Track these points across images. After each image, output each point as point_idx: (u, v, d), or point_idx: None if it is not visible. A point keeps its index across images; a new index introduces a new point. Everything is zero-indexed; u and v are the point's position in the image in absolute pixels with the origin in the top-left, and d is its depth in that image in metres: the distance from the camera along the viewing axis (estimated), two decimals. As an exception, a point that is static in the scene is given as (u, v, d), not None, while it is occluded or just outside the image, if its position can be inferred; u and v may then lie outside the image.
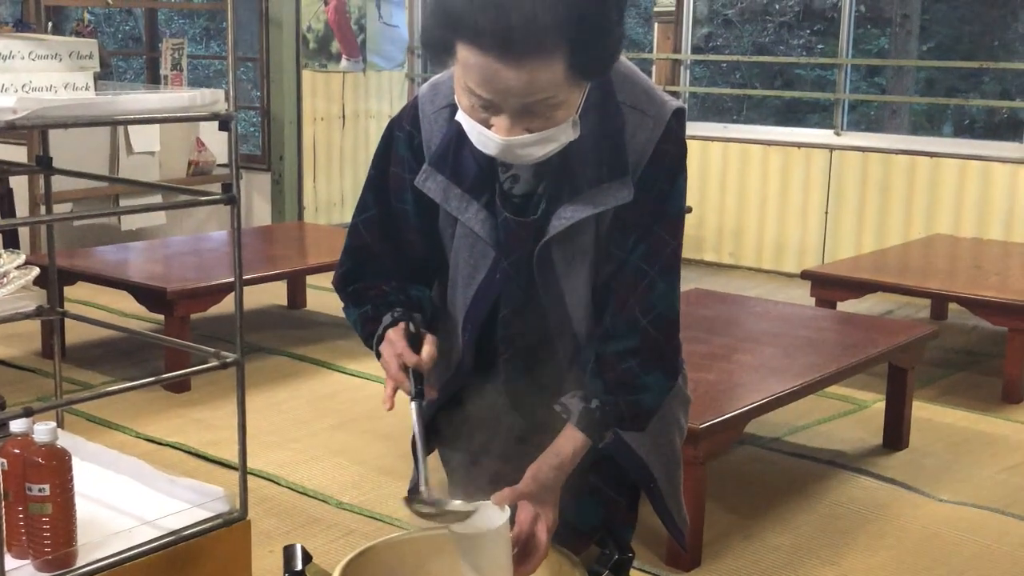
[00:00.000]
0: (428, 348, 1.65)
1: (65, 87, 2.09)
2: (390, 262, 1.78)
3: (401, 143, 1.76)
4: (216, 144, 6.46)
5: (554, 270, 1.71)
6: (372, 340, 1.74)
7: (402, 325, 1.68)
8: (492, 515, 1.62)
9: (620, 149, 1.66)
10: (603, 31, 1.50)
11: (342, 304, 1.84)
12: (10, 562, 1.89)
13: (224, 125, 1.97)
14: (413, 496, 1.63)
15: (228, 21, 1.86)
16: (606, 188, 1.65)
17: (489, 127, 1.55)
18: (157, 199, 5.67)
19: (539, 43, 1.44)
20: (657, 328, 1.71)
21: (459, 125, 1.62)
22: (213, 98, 1.95)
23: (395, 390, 1.69)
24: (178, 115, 1.92)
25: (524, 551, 1.65)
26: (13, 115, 1.75)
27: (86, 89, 2.12)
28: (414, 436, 1.90)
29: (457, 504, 1.63)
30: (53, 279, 2.41)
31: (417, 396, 1.65)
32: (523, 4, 1.42)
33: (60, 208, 4.95)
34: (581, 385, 1.74)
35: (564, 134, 1.57)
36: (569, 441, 1.70)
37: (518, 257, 1.72)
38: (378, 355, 1.75)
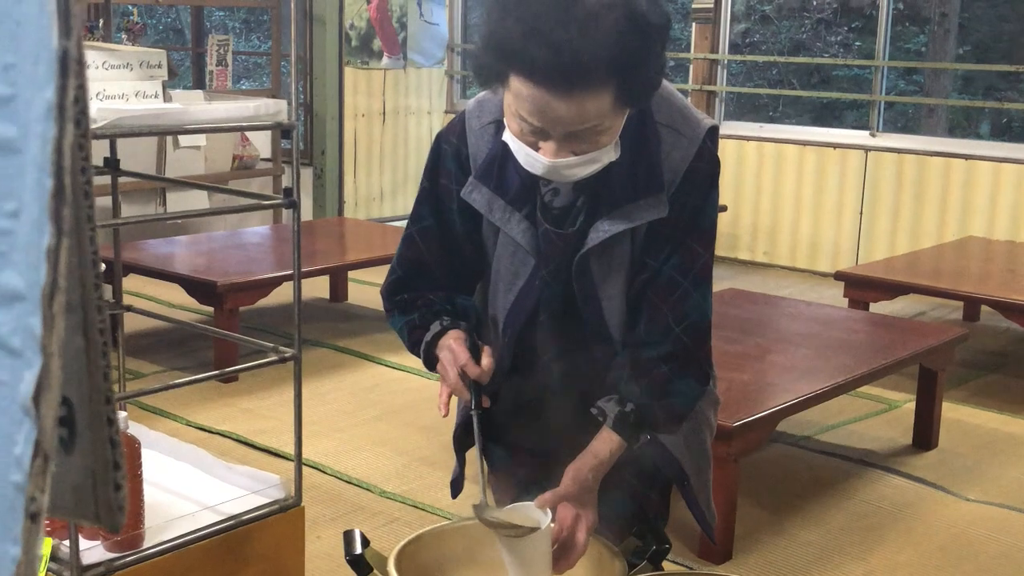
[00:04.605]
0: (487, 360, 1.74)
1: (136, 95, 2.20)
2: (442, 272, 1.88)
3: (448, 156, 1.86)
4: (260, 139, 6.59)
5: (592, 279, 1.81)
6: (419, 347, 1.83)
7: (462, 334, 1.76)
8: (535, 516, 1.71)
9: (656, 166, 1.75)
10: (648, 62, 1.59)
11: (386, 310, 1.93)
12: (82, 543, 2.01)
13: (287, 134, 2.07)
14: (481, 507, 1.71)
15: (292, 45, 1.97)
16: (642, 203, 1.74)
17: (537, 149, 1.65)
18: (202, 193, 5.82)
19: (589, 77, 1.53)
20: (690, 336, 1.80)
21: (504, 141, 1.72)
22: (277, 108, 2.06)
23: (450, 396, 1.78)
24: (245, 124, 2.02)
25: (563, 549, 1.74)
26: (93, 124, 1.87)
27: (155, 97, 2.23)
28: (456, 431, 2.01)
29: (523, 513, 1.71)
30: (119, 275, 2.53)
31: (478, 407, 1.74)
32: (575, 41, 1.51)
33: (105, 200, 5.09)
34: (611, 386, 1.83)
35: (607, 155, 1.67)
36: (606, 443, 1.78)
37: (556, 266, 1.82)
38: (426, 361, 1.85)
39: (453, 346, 1.76)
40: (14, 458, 0.53)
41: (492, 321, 1.92)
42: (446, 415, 1.78)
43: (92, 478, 0.62)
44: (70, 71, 0.52)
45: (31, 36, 0.53)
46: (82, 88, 0.53)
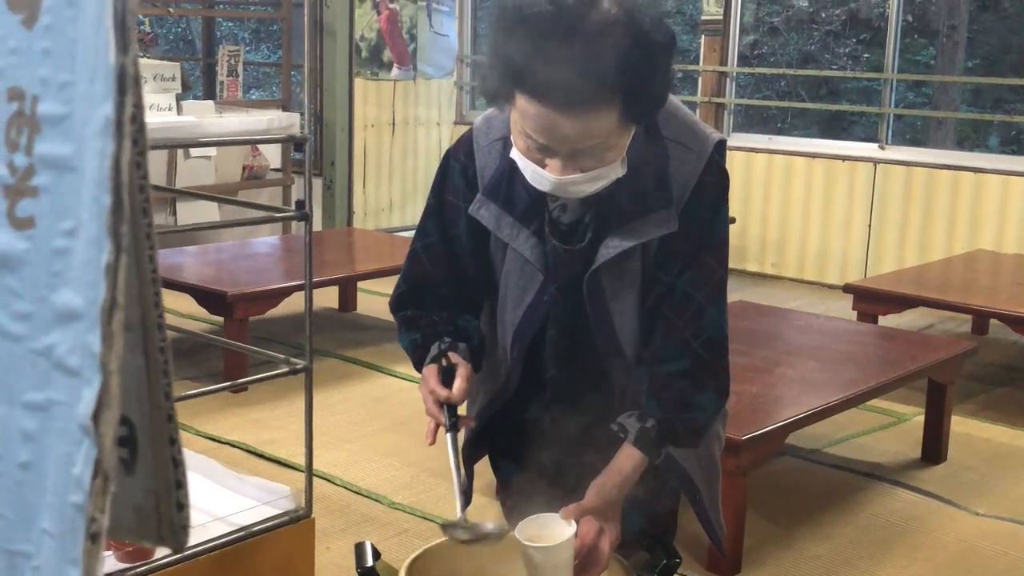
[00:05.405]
0: (459, 383, 1.74)
1: (150, 108, 2.21)
2: (446, 287, 1.89)
3: (456, 173, 1.87)
4: (270, 150, 6.61)
5: (603, 295, 1.82)
6: (422, 366, 1.86)
7: (435, 365, 1.78)
8: (558, 528, 1.72)
9: (664, 181, 1.76)
10: (653, 79, 1.60)
11: (396, 325, 1.96)
12: (94, 553, 2.02)
13: (299, 146, 2.09)
14: (449, 523, 1.73)
15: (304, 57, 1.98)
16: (652, 219, 1.75)
17: (543, 166, 1.66)
18: (213, 203, 5.83)
19: (594, 96, 1.55)
20: (708, 351, 1.81)
21: (511, 158, 1.74)
22: (289, 121, 2.07)
23: (436, 426, 1.80)
24: (258, 138, 2.03)
25: (585, 563, 1.74)
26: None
27: (169, 110, 2.25)
28: (465, 443, 2.02)
29: (491, 528, 1.72)
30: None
31: (451, 428, 1.76)
32: (579, 59, 1.52)
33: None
34: (631, 402, 1.84)
35: (613, 172, 1.68)
36: (628, 459, 1.79)
37: (565, 282, 1.83)
38: None
39: (425, 374, 1.79)
40: (73, 478, 0.53)
41: (501, 337, 1.93)
42: (431, 443, 1.80)
43: (154, 498, 0.61)
44: (128, 88, 0.52)
45: (87, 53, 0.52)
46: (139, 107, 0.52)
